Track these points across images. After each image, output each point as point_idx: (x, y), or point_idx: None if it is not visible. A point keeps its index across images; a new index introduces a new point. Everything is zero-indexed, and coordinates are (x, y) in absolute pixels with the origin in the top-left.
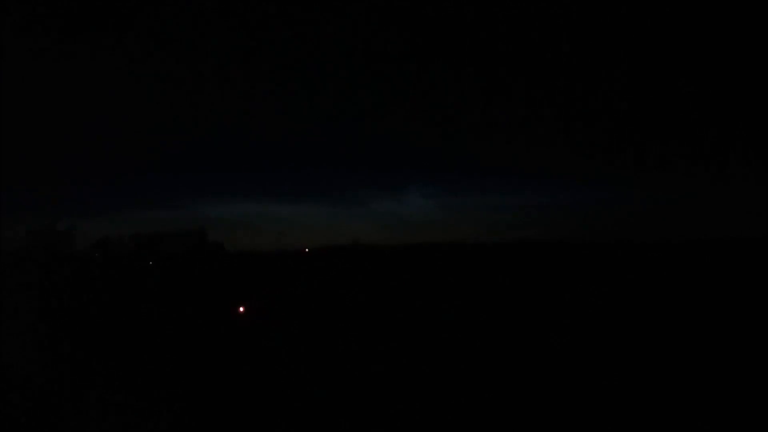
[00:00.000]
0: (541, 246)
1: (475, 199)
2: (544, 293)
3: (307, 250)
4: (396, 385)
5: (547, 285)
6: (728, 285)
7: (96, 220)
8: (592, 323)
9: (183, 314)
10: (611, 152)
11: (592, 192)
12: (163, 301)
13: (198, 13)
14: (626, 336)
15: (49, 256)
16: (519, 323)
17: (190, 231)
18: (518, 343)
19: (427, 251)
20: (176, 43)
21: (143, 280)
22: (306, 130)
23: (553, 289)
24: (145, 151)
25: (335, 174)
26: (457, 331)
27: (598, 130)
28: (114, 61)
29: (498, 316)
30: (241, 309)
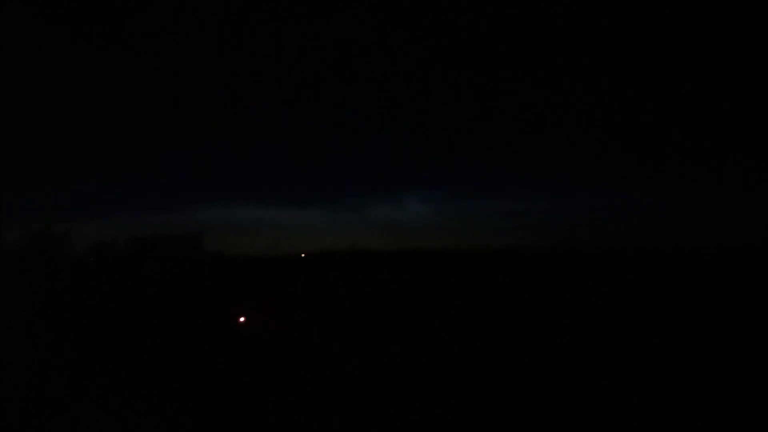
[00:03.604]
0: (537, 252)
1: (473, 204)
2: (538, 299)
3: (303, 255)
4: (395, 387)
5: (543, 291)
6: (732, 291)
7: (93, 223)
8: (589, 330)
9: (179, 321)
10: (612, 158)
11: (591, 198)
12: (158, 308)
13: (198, 15)
14: (626, 342)
15: (44, 259)
16: (515, 329)
17: (186, 235)
18: (515, 349)
19: (425, 257)
20: (177, 45)
21: (137, 286)
22: (304, 134)
23: (548, 295)
24: (143, 153)
25: (333, 179)
26: (454, 336)
27: (598, 135)
28: (114, 62)
29: (495, 321)
30: (242, 319)
